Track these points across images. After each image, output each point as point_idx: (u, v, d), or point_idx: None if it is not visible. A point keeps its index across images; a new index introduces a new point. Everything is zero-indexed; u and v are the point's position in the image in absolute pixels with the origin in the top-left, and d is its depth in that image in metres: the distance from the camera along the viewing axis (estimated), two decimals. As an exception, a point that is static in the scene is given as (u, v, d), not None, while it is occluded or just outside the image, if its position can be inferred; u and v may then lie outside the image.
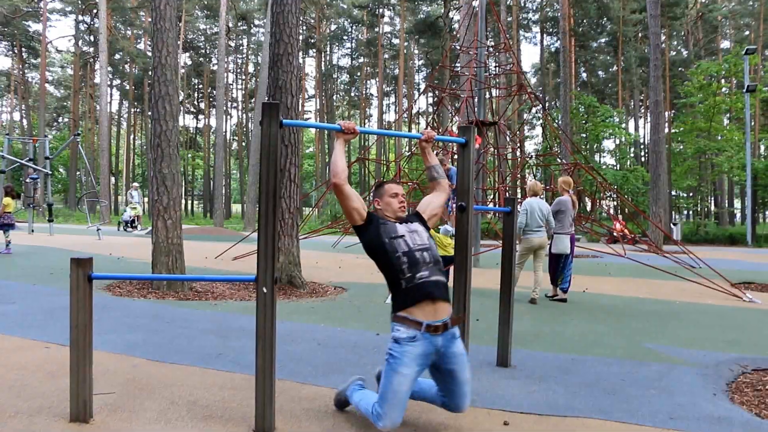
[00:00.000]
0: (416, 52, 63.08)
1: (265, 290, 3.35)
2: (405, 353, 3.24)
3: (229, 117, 65.70)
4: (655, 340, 6.34)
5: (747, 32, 55.81)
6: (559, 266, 9.22)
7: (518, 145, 24.08)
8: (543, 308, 8.47)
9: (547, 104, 53.85)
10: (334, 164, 3.57)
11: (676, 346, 6.02)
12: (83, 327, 3.42)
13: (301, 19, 39.55)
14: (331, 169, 3.57)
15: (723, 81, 36.76)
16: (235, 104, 69.06)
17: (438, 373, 3.42)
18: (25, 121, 59.57)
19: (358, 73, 65.60)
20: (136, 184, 27.71)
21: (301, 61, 51.70)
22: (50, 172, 22.25)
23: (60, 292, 8.09)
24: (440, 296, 3.38)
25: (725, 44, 56.19)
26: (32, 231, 20.34)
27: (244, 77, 67.65)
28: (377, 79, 61.72)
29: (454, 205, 4.41)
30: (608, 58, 57.41)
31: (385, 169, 27.43)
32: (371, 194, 3.79)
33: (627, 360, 5.39)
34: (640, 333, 6.71)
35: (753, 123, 40.35)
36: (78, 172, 49.91)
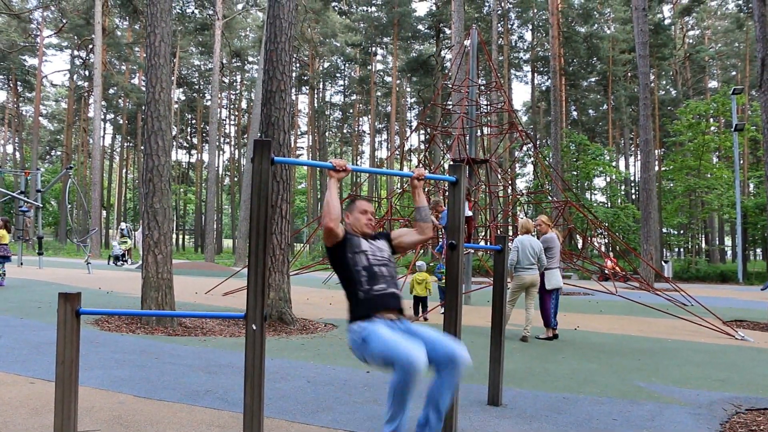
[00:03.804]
0: (408, 90, 63.73)
1: (254, 327, 3.32)
2: (374, 327, 3.33)
3: (221, 152, 65.96)
4: (647, 378, 6.30)
5: (734, 72, 56.78)
6: (551, 303, 9.19)
7: (509, 182, 24.18)
8: (534, 346, 8.42)
9: (538, 142, 54.34)
10: (329, 206, 3.55)
11: (669, 385, 5.98)
12: (69, 363, 3.37)
13: (295, 56, 39.99)
14: (324, 210, 3.57)
15: (711, 120, 37.25)
16: (227, 140, 69.36)
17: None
18: (17, 154, 59.55)
19: (351, 110, 66.11)
20: (124, 224, 27.76)
21: (294, 97, 52.03)
22: (41, 205, 22.18)
23: (47, 327, 7.99)
24: (395, 306, 3.54)
25: (713, 84, 57.15)
26: (21, 264, 20.20)
27: (237, 113, 68.07)
28: (369, 117, 62.15)
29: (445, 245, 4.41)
30: (598, 96, 58.11)
31: (376, 205, 27.46)
32: (345, 211, 3.83)
33: (619, 399, 5.35)
34: (631, 371, 6.67)
35: (742, 161, 40.79)
36: (69, 206, 49.76)
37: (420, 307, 11.37)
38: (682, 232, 41.46)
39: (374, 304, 3.47)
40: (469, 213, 11.44)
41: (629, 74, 53.53)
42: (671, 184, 39.40)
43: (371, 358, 3.28)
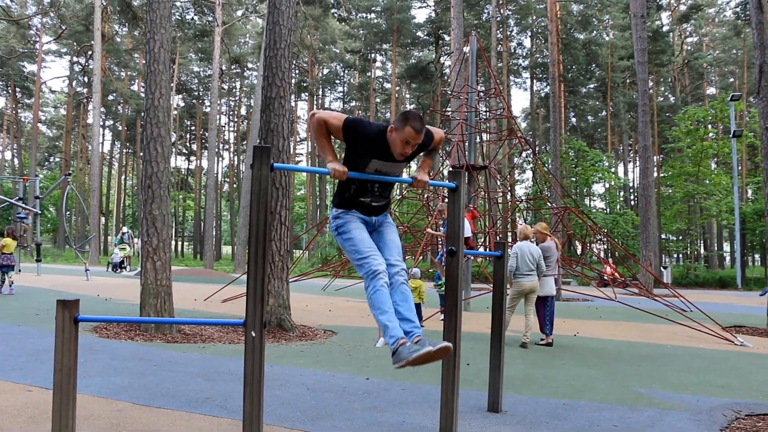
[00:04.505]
0: (408, 96, 63.78)
1: (253, 334, 3.32)
2: (349, 218, 3.79)
3: (220, 159, 65.94)
4: (647, 384, 6.29)
5: (732, 79, 56.93)
6: (546, 309, 9.18)
7: (509, 189, 24.20)
8: (534, 352, 8.41)
9: (537, 148, 54.39)
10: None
11: (669, 391, 5.97)
12: (67, 370, 3.36)
13: (294, 63, 40.04)
14: (316, 136, 3.72)
15: (710, 126, 37.33)
16: (227, 146, 69.35)
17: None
18: (16, 161, 59.53)
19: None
20: (124, 229, 27.67)
21: (293, 104, 52.11)
22: (39, 212, 22.16)
23: (45, 334, 7.97)
24: (375, 211, 3.89)
25: (711, 90, 57.27)
26: (19, 271, 20.16)
27: (236, 119, 68.10)
28: (369, 123, 62.03)
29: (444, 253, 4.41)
30: (597, 103, 58.20)
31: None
32: (394, 121, 3.70)
33: (619, 405, 5.34)
34: (631, 377, 6.66)
35: (740, 167, 40.84)
36: (67, 212, 49.74)
37: None
38: (680, 238, 41.47)
39: (356, 205, 3.83)
40: (468, 234, 11.40)
41: (628, 81, 53.63)
42: (670, 191, 39.44)
43: (344, 250, 3.79)
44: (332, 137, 3.72)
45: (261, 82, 13.36)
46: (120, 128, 62.30)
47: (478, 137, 20.80)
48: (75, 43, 52.93)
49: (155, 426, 4.21)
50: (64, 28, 50.80)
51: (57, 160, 66.10)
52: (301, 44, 49.91)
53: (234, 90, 66.98)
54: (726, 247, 58.06)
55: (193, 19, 53.32)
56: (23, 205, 20.82)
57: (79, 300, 3.49)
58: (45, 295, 13.40)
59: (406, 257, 22.07)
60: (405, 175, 4.07)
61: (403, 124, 3.60)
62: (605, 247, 32.48)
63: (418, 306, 11.44)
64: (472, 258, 16.24)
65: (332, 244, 40.18)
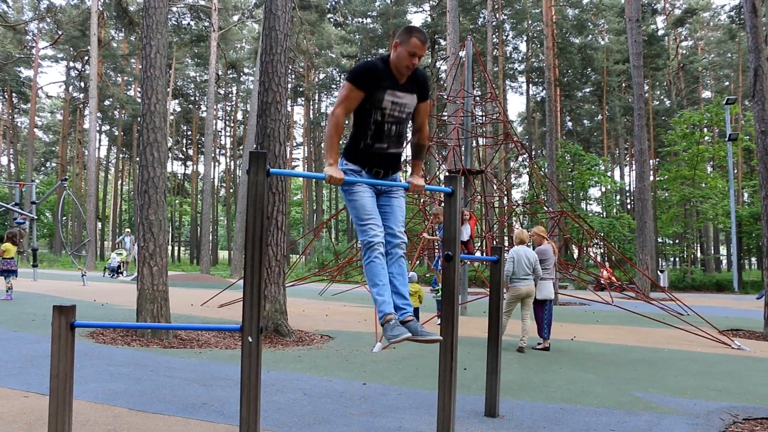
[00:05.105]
0: (404, 100, 63.71)
1: (250, 339, 3.31)
2: (357, 186, 3.74)
3: (217, 164, 65.94)
4: (644, 388, 6.29)
5: (727, 82, 57.12)
6: (544, 313, 9.18)
7: (505, 193, 24.23)
8: (531, 357, 8.41)
9: (533, 152, 54.46)
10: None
11: (666, 395, 5.97)
12: (64, 376, 3.35)
13: (290, 68, 40.09)
14: (329, 134, 3.71)
15: (705, 130, 37.43)
16: (223, 151, 69.34)
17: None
18: (12, 166, 59.43)
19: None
20: (128, 230, 27.57)
21: (289, 109, 52.05)
22: (36, 217, 22.10)
23: (41, 339, 7.95)
24: (388, 166, 3.83)
25: (706, 94, 57.47)
26: (16, 276, 20.09)
27: (232, 124, 68.10)
28: (365, 127, 62.07)
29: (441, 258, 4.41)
30: (593, 107, 58.35)
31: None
32: (397, 36, 3.70)
33: (616, 410, 5.34)
34: (628, 381, 6.67)
35: (736, 171, 40.94)
36: (64, 218, 49.64)
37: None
38: (677, 241, 41.53)
39: (369, 159, 3.77)
40: (465, 237, 11.39)
41: (623, 84, 53.81)
42: (666, 194, 39.51)
43: (347, 206, 3.80)
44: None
45: (257, 87, 13.37)
46: (116, 133, 62.25)
47: (474, 141, 20.82)
48: (71, 48, 52.90)
49: (152, 431, 4.20)
50: (60, 33, 50.78)
51: (53, 165, 66.04)
52: (297, 49, 49.97)
53: (230, 95, 67.00)
54: (723, 250, 58.18)
55: (189, 24, 53.34)
56: (20, 211, 20.77)
57: (75, 306, 3.48)
58: (41, 301, 13.36)
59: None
60: (402, 180, 4.07)
61: (408, 36, 3.64)
62: (602, 251, 32.51)
63: (416, 310, 11.45)
64: (468, 262, 16.24)
65: (328, 248, 40.17)
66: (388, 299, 3.57)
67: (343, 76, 62.72)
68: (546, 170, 34.26)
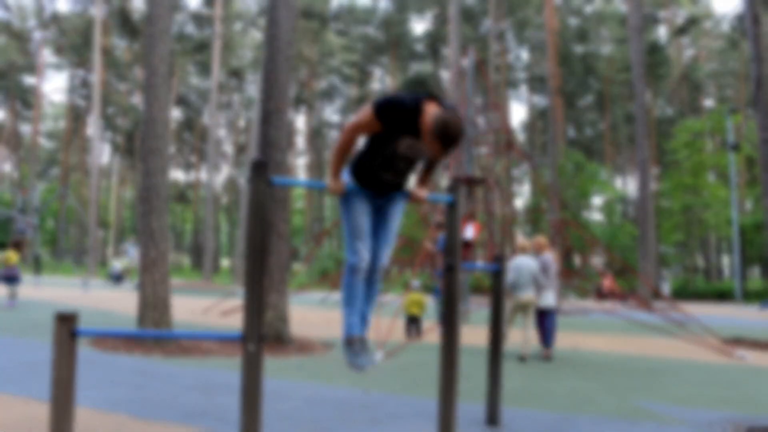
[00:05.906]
0: (406, 108, 63.77)
1: (251, 348, 3.31)
2: (356, 198, 3.65)
3: (219, 171, 65.96)
4: (646, 398, 6.28)
5: (729, 91, 57.11)
6: (547, 322, 9.16)
7: (507, 202, 24.22)
8: (533, 366, 8.39)
9: (535, 161, 54.46)
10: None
11: (668, 404, 5.96)
12: (65, 384, 3.35)
13: (292, 75, 40.16)
14: (337, 148, 3.53)
15: (708, 139, 37.43)
16: (225, 158, 69.41)
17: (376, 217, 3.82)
18: (15, 173, 59.55)
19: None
20: (133, 239, 27.60)
21: (291, 116, 52.18)
22: (38, 224, 22.15)
23: (43, 346, 7.95)
24: (390, 190, 3.71)
25: (709, 103, 57.44)
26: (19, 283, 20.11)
27: (235, 132, 68.20)
28: (367, 135, 62.12)
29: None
30: (595, 116, 58.37)
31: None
32: (435, 123, 3.17)
33: (618, 419, 5.32)
34: (631, 390, 6.65)
35: (738, 179, 40.93)
36: (66, 225, 49.68)
37: (414, 326, 11.30)
38: (679, 250, 41.47)
39: (372, 183, 3.64)
40: (469, 236, 11.39)
41: (626, 93, 53.81)
42: (668, 203, 39.47)
43: (340, 216, 3.75)
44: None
45: (260, 95, 13.42)
46: (119, 141, 62.38)
47: (476, 150, 20.83)
48: (75, 56, 53.08)
49: (153, 440, 4.20)
50: (64, 41, 50.97)
51: (56, 172, 66.16)
52: (299, 57, 50.13)
53: (232, 103, 67.14)
54: (725, 259, 58.05)
55: (192, 32, 53.52)
56: (23, 217, 20.82)
57: (76, 313, 3.49)
58: (43, 307, 13.37)
59: (404, 270, 22.06)
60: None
61: (438, 141, 3.20)
62: (604, 259, 32.46)
63: (418, 318, 11.43)
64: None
65: (330, 256, 40.15)
66: (357, 322, 3.67)
67: (345, 85, 62.99)
68: (548, 179, 34.29)
